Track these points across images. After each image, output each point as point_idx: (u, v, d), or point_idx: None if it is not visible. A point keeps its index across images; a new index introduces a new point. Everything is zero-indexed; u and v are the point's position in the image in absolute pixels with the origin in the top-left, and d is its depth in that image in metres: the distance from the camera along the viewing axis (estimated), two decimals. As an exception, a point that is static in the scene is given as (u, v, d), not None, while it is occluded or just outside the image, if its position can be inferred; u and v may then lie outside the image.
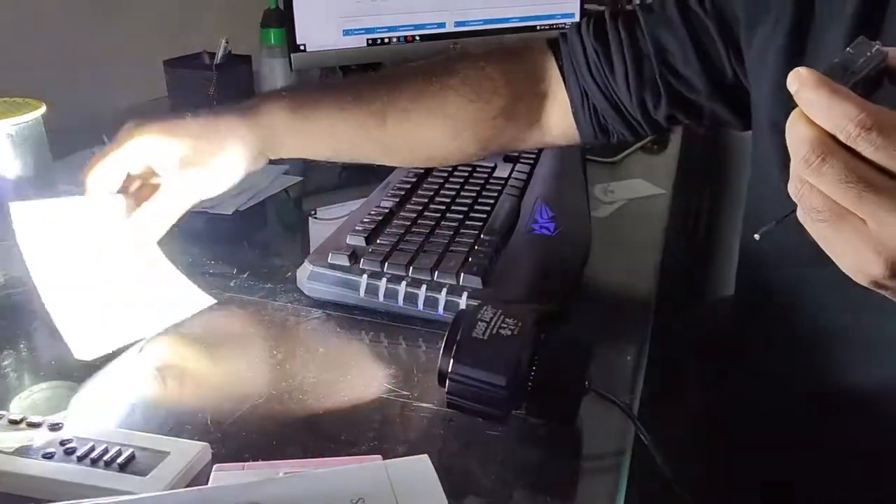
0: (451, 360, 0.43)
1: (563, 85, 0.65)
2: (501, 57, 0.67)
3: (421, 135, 0.64)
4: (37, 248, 0.55)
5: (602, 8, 1.36)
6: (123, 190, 0.60)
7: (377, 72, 0.68)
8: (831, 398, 0.58)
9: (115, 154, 0.58)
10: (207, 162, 0.59)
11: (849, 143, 0.34)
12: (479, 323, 0.44)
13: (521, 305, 0.48)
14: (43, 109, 0.60)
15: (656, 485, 0.45)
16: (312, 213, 0.88)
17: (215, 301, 0.59)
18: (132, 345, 0.53)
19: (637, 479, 0.44)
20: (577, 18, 1.19)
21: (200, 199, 0.61)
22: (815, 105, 0.34)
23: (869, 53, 0.36)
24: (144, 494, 0.33)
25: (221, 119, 0.61)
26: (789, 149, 0.36)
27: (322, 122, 0.62)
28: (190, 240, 0.72)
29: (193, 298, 0.59)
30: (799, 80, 0.35)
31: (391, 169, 0.78)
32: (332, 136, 0.63)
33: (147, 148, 0.58)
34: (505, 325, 0.44)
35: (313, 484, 0.31)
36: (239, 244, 0.73)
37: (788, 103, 0.36)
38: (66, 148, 0.79)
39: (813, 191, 0.36)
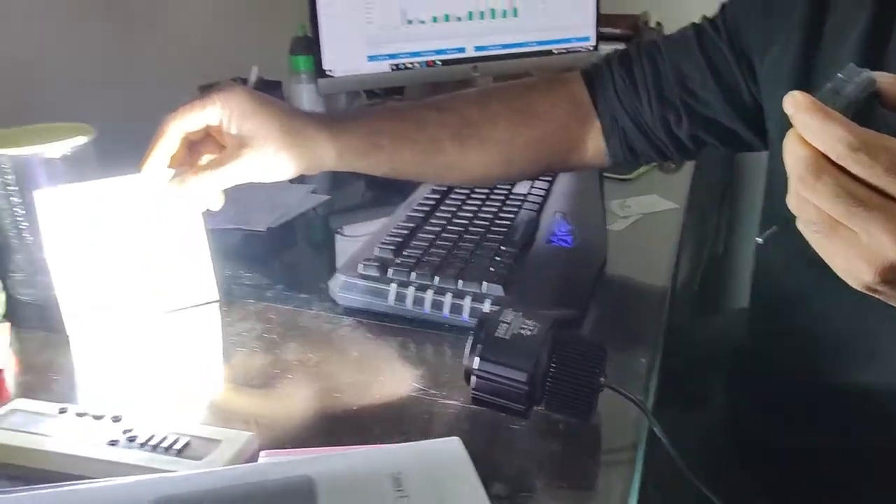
0: (476, 358, 0.47)
1: (595, 111, 0.71)
2: (545, 86, 0.73)
3: (475, 158, 0.69)
4: (60, 232, 0.59)
5: (618, 31, 1.40)
6: (178, 159, 0.61)
7: (435, 99, 0.72)
8: (846, 408, 0.60)
9: (204, 101, 0.60)
10: (284, 145, 0.61)
11: (839, 163, 0.38)
12: (502, 324, 0.48)
13: (539, 310, 0.51)
14: (93, 134, 0.65)
15: (668, 475, 0.48)
16: (339, 230, 0.92)
17: (218, 299, 0.64)
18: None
19: (651, 471, 0.47)
20: (592, 42, 1.23)
21: (253, 179, 0.62)
22: (808, 127, 0.38)
23: (857, 79, 0.39)
24: (211, 469, 0.37)
25: (312, 116, 0.66)
26: (786, 166, 0.40)
27: (389, 149, 0.66)
28: (226, 254, 0.77)
29: (202, 288, 0.64)
30: (794, 104, 0.39)
31: (413, 189, 0.82)
32: (396, 161, 0.67)
33: (238, 104, 0.60)
34: (525, 326, 0.48)
35: (357, 460, 0.34)
36: (272, 258, 0.77)
37: None
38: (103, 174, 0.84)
39: (808, 204, 0.39)
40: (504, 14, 1.18)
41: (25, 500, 0.31)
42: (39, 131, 0.64)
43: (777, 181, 0.64)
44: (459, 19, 1.14)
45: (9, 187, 0.62)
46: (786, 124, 0.60)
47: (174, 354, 0.59)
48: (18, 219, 0.63)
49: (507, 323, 0.48)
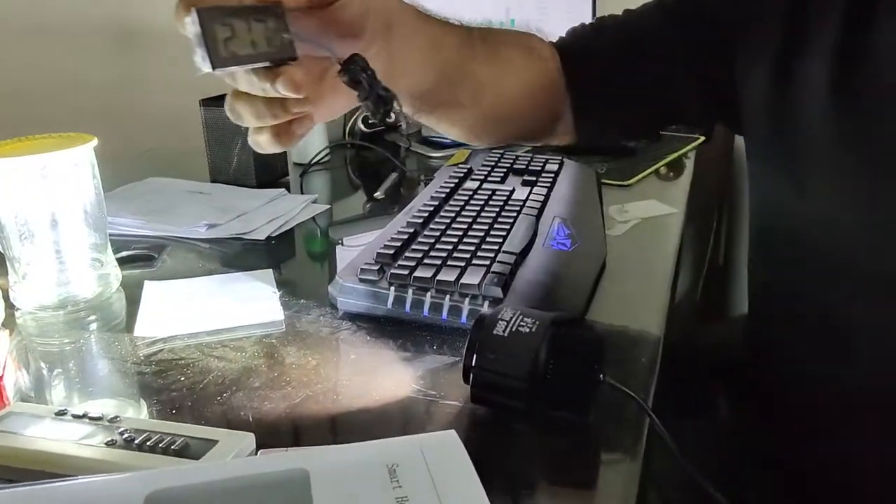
0: (475, 356, 0.46)
1: (566, 86, 0.71)
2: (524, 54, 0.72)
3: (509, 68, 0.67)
4: (154, 308, 0.65)
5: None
6: None
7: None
8: (849, 416, 0.60)
9: None
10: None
11: None
12: (500, 322, 0.48)
13: (535, 310, 0.51)
14: (95, 142, 0.65)
15: (669, 474, 0.47)
16: (339, 241, 0.92)
17: (282, 318, 0.63)
18: (187, 335, 0.60)
19: (651, 469, 0.47)
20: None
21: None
22: None
23: None
24: (207, 464, 0.37)
25: None
26: None
27: (438, 28, 0.61)
28: (228, 262, 0.77)
29: (268, 308, 0.64)
30: None
31: (412, 198, 0.82)
32: (442, 45, 0.61)
33: None
34: (524, 324, 0.48)
35: (352, 453, 0.34)
36: (272, 267, 0.77)
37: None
38: (110, 182, 0.85)
39: None
40: (501, 25, 1.19)
41: (20, 495, 0.31)
42: (42, 142, 0.65)
43: (757, 174, 0.65)
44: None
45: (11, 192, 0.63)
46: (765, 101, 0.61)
47: (171, 348, 0.58)
48: (21, 224, 0.64)
49: (506, 321, 0.48)
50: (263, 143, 0.49)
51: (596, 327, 0.61)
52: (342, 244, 0.91)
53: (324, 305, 0.65)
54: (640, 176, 0.99)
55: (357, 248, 0.85)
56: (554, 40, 0.74)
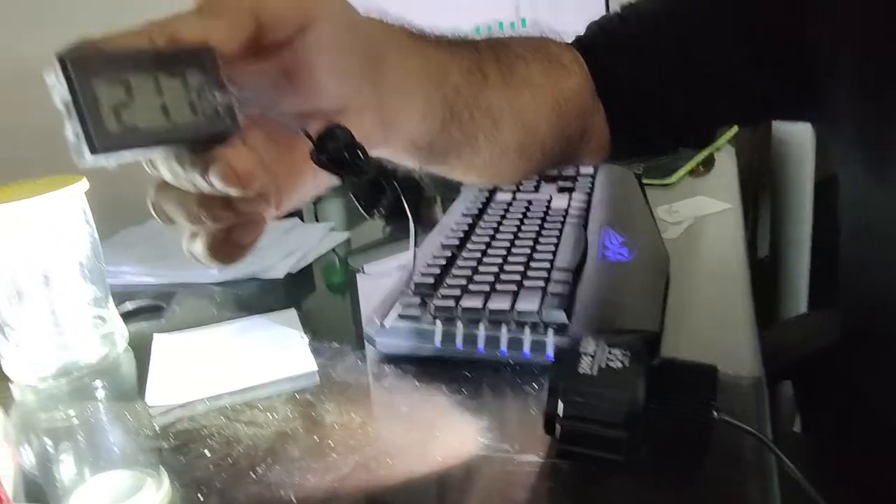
0: (560, 401, 0.38)
1: (597, 92, 0.58)
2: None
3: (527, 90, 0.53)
4: (166, 368, 0.57)
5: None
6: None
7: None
8: None
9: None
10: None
11: None
12: (584, 357, 0.40)
13: (618, 335, 0.43)
14: (84, 183, 0.57)
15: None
16: (360, 269, 0.85)
17: (315, 368, 0.55)
18: (208, 398, 0.52)
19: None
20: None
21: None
22: None
23: None
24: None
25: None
26: None
27: (437, 52, 0.46)
28: (244, 305, 0.69)
29: (298, 358, 0.56)
30: None
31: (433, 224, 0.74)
32: (447, 74, 0.47)
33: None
34: (612, 357, 0.39)
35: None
36: (292, 304, 0.69)
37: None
38: (107, 228, 0.77)
39: None
40: (512, 26, 1.11)
41: None
42: (24, 188, 0.57)
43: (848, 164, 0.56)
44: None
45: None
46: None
47: (198, 413, 0.50)
48: (8, 283, 0.56)
49: (591, 355, 0.39)
50: (199, 256, 0.35)
51: (678, 349, 0.52)
52: (363, 272, 0.83)
53: (359, 348, 0.57)
54: (681, 172, 0.91)
55: (380, 276, 0.78)
56: (570, 40, 0.60)
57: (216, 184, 0.30)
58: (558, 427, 0.38)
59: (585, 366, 0.39)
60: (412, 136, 0.44)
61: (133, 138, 0.27)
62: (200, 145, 0.30)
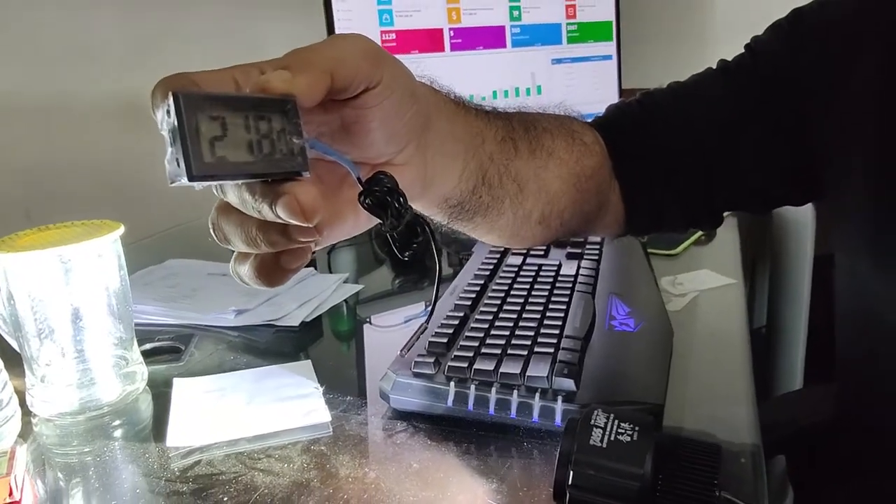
0: (571, 471, 0.40)
1: (613, 171, 0.62)
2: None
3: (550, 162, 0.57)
4: (186, 411, 0.60)
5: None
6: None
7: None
8: None
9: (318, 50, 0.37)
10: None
11: None
12: (595, 429, 0.42)
13: (626, 408, 0.45)
14: (122, 230, 0.60)
15: None
16: (368, 320, 0.87)
17: (329, 419, 0.57)
18: (225, 443, 0.54)
19: None
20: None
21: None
22: None
23: None
24: None
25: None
26: None
27: (477, 121, 0.51)
28: (260, 353, 0.71)
29: (313, 408, 0.58)
30: None
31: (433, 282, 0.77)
32: (483, 142, 0.51)
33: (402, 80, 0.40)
34: (622, 431, 0.42)
35: None
36: (303, 352, 0.71)
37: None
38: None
39: None
40: (528, 92, 1.16)
41: None
42: (63, 231, 0.60)
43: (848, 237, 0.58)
44: (484, 98, 1.12)
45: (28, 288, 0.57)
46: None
47: (212, 460, 0.52)
48: (41, 321, 0.58)
49: (601, 428, 0.42)
50: (245, 277, 0.38)
51: (680, 423, 0.54)
52: (371, 323, 0.85)
53: (372, 402, 0.59)
54: (686, 243, 0.94)
55: (389, 329, 0.80)
56: (582, 111, 0.63)
57: (282, 213, 0.33)
58: (569, 495, 0.40)
59: (596, 438, 0.41)
60: (446, 194, 0.48)
61: (223, 168, 0.31)
62: (274, 180, 0.34)
